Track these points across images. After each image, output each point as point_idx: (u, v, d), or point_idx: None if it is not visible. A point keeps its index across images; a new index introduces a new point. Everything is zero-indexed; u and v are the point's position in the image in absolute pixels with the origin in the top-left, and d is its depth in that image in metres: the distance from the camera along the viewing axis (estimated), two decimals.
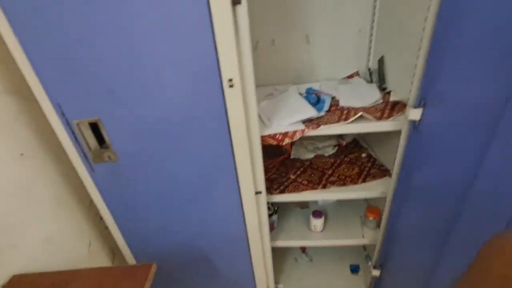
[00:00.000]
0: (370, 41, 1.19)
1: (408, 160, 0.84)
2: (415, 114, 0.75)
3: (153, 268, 0.74)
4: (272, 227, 1.24)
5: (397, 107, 0.92)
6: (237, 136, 0.79)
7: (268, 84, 1.31)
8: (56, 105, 0.73)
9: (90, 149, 0.80)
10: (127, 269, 0.74)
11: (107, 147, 0.80)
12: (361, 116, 0.89)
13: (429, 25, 0.65)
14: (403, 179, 0.88)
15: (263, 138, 0.88)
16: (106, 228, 1.04)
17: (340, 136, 1.35)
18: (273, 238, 1.21)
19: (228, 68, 0.68)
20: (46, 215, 0.90)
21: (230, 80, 0.69)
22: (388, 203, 0.98)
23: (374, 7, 1.12)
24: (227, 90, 0.71)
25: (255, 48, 1.24)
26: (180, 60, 0.68)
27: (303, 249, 1.52)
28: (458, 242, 0.80)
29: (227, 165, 0.85)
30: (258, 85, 1.31)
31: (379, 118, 0.89)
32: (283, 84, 1.28)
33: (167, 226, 1.01)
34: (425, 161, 0.80)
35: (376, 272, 1.18)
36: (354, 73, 1.27)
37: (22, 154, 0.83)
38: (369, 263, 1.27)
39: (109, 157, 0.82)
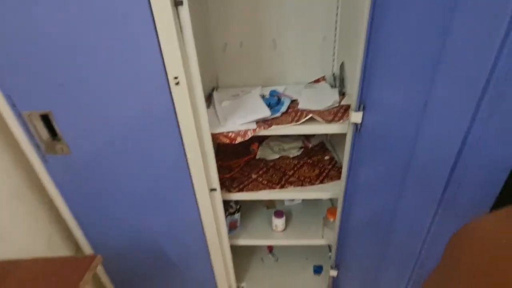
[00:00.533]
0: (334, 48, 1.23)
1: (354, 160, 0.87)
2: (356, 117, 0.79)
3: (97, 260, 0.75)
4: (234, 226, 1.26)
5: (348, 110, 0.95)
6: (187, 132, 0.81)
7: (238, 85, 1.34)
8: (6, 96, 0.74)
9: (42, 140, 0.82)
10: (71, 260, 0.75)
11: (59, 139, 0.82)
12: (312, 118, 0.92)
13: (362, 36, 0.68)
14: (350, 179, 0.91)
15: (216, 135, 0.91)
16: None
17: (307, 139, 1.38)
18: (235, 236, 1.23)
19: (173, 66, 0.70)
20: (0, 207, 0.91)
21: (176, 78, 0.72)
22: (340, 204, 1.00)
23: (337, 15, 1.16)
24: (173, 87, 0.73)
25: (223, 50, 1.27)
26: (127, 58, 0.70)
27: (270, 249, 1.54)
28: (398, 240, 0.83)
29: (179, 160, 0.87)
30: (227, 86, 1.35)
31: (330, 121, 0.92)
32: (252, 86, 1.31)
33: (124, 221, 1.02)
34: (368, 161, 0.84)
35: (333, 273, 1.21)
36: (321, 78, 1.31)
37: None
38: None
39: (61, 149, 0.84)
